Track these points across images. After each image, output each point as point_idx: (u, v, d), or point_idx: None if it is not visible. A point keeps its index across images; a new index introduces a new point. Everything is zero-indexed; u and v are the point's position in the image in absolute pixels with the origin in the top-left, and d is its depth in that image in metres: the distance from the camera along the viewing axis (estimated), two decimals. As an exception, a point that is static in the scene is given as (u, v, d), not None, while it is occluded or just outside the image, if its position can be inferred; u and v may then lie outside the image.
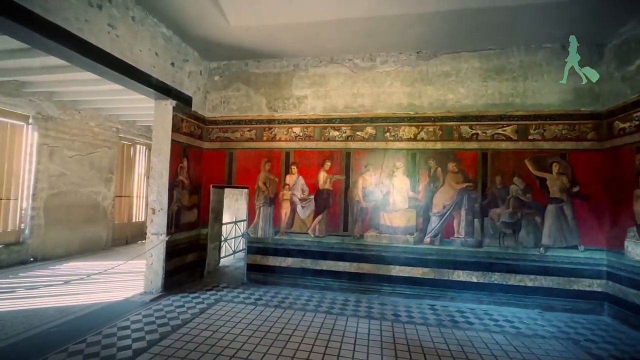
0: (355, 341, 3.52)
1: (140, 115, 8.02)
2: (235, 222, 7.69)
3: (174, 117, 5.00)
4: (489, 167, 4.94)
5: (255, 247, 5.60)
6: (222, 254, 6.80)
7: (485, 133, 4.97)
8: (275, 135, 5.63)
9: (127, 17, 4.05)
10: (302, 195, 5.48)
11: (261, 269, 5.53)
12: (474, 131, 5.01)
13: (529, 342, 3.63)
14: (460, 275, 4.90)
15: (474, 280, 4.86)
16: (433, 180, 5.09)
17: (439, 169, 5.07)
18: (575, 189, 4.71)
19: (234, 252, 7.44)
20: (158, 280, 4.81)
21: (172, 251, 5.02)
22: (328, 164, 5.41)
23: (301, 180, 5.50)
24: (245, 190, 6.41)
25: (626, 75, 4.36)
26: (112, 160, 8.24)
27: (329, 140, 5.44)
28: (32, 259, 6.30)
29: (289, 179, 5.54)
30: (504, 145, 4.92)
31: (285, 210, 5.52)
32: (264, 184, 5.62)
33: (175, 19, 4.54)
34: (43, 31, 3.03)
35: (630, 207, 4.20)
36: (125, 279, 5.41)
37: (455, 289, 4.90)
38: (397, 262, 5.10)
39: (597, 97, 4.72)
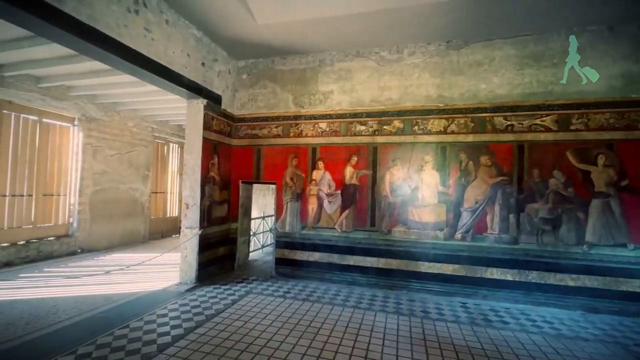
0: (384, 336, 3.50)
1: (173, 115, 8.40)
2: (263, 217, 7.87)
3: (204, 115, 5.18)
4: (526, 160, 4.69)
5: (283, 242, 5.70)
6: (251, 248, 7.00)
7: (522, 124, 4.71)
8: (301, 131, 5.68)
9: (161, 21, 4.24)
10: (328, 191, 5.50)
11: (289, 263, 5.63)
12: (508, 122, 4.76)
13: (571, 345, 3.43)
14: (494, 273, 4.71)
15: (509, 278, 4.65)
16: (464, 174, 4.91)
17: (471, 162, 4.88)
18: (624, 183, 4.36)
19: (262, 247, 7.62)
20: (192, 272, 5.04)
21: (205, 244, 5.24)
22: (354, 159, 5.38)
23: (328, 176, 5.51)
24: (273, 186, 6.55)
25: (685, 57, 3.95)
26: (148, 159, 8.70)
27: (355, 135, 5.41)
28: (79, 250, 6.83)
29: (316, 175, 5.57)
30: (542, 136, 4.64)
31: (312, 205, 5.57)
32: (291, 179, 5.70)
33: (205, 20, 4.69)
34: (89, 38, 3.25)
35: (689, 201, 3.83)
36: (162, 271, 5.72)
37: (488, 287, 4.72)
38: (426, 258, 4.99)
39: (650, 82, 4.32)
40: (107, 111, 7.38)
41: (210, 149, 5.40)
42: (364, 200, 5.33)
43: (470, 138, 4.91)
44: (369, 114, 5.34)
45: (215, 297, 4.54)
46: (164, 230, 9.48)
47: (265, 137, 5.89)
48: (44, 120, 6.30)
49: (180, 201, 10.02)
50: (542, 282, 4.54)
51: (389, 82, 5.29)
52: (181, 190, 9.83)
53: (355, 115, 5.41)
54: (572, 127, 4.55)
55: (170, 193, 9.98)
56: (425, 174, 5.06)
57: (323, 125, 5.57)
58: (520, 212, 4.68)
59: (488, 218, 4.79)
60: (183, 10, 4.47)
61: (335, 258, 5.40)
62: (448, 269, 4.89)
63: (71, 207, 6.81)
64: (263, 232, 7.78)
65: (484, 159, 4.83)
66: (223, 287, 4.99)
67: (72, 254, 6.66)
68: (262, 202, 9.11)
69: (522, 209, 4.68)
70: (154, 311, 3.95)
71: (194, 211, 5.12)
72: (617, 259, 4.32)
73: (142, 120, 8.42)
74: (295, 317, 3.93)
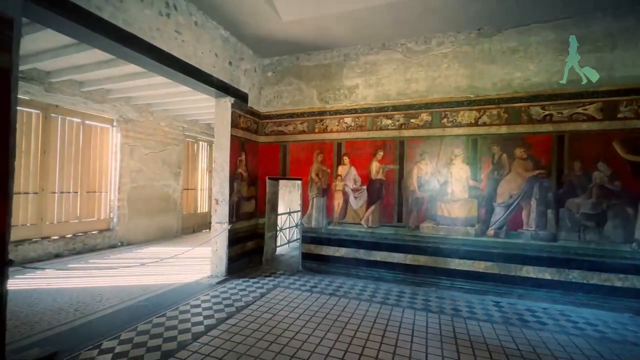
0: (412, 333, 3.44)
1: (202, 114, 8.70)
2: (289, 213, 7.98)
3: (232, 113, 5.32)
4: (566, 152, 4.39)
5: (309, 237, 5.75)
6: (278, 243, 7.13)
7: (561, 113, 4.42)
8: (326, 126, 5.68)
9: (190, 23, 4.39)
10: (354, 186, 5.47)
11: (315, 258, 5.68)
12: (546, 112, 4.48)
13: (618, 349, 3.20)
14: (530, 272, 4.48)
15: (547, 277, 4.41)
16: (497, 168, 4.69)
17: (504, 155, 4.65)
18: (681, 175, 3.97)
19: (289, 242, 7.74)
20: (222, 265, 5.22)
21: (234, 239, 5.40)
22: (380, 154, 5.31)
23: (353, 171, 5.48)
24: (299, 182, 6.61)
25: None
26: (179, 157, 9.09)
27: (381, 129, 5.32)
28: (120, 244, 7.29)
29: (341, 170, 5.56)
30: (584, 126, 4.32)
31: (338, 200, 5.57)
32: (317, 175, 5.72)
33: (231, 20, 4.79)
34: (125, 42, 3.43)
35: None
36: (194, 264, 5.97)
37: (523, 285, 4.50)
38: (456, 255, 4.83)
39: None
40: (141, 112, 7.77)
41: (238, 146, 5.54)
42: (390, 195, 5.25)
43: (503, 130, 4.67)
44: (395, 108, 5.23)
45: (245, 289, 4.68)
46: (195, 225, 9.89)
47: (291, 133, 5.95)
48: (86, 122, 6.76)
49: (209, 197, 10.40)
50: (584, 281, 4.25)
51: (415, 74, 5.15)
52: (211, 186, 10.20)
53: (381, 109, 5.32)
54: (620, 116, 4.19)
55: (201, 190, 10.38)
56: (455, 168, 4.90)
57: (348, 120, 5.53)
58: (559, 207, 4.40)
59: (523, 213, 4.55)
60: (211, 11, 4.60)
61: (361, 254, 5.37)
62: (480, 266, 4.72)
63: (111, 203, 7.27)
64: (289, 227, 7.89)
65: (519, 152, 4.58)
66: (252, 280, 5.13)
67: (113, 246, 7.13)
68: (288, 198, 9.24)
69: (561, 204, 4.40)
70: (188, 302, 4.14)
71: (223, 207, 5.29)
72: (672, 259, 3.96)
73: (174, 120, 8.79)
74: (323, 311, 3.97)
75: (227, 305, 4.06)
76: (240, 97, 5.47)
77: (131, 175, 7.58)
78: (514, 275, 4.55)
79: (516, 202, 4.58)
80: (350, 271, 5.41)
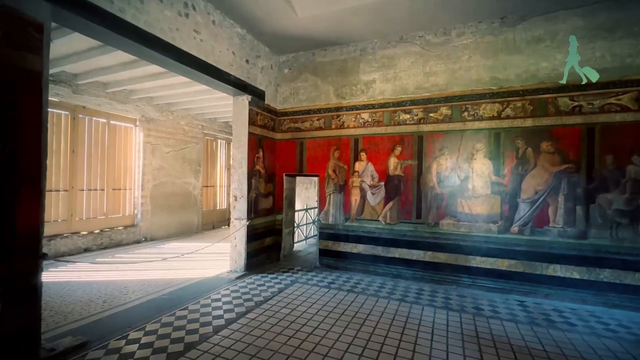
0: (432, 331, 3.38)
1: (220, 113, 8.85)
2: (307, 210, 8.01)
3: (249, 111, 5.38)
4: (597, 145, 4.16)
5: (327, 233, 5.75)
6: (295, 239, 7.17)
7: (592, 104, 4.19)
8: (343, 122, 5.64)
9: (208, 22, 4.45)
10: (371, 182, 5.41)
11: (332, 255, 5.67)
12: (575, 103, 4.26)
13: (655, 353, 3.02)
14: (557, 270, 4.30)
15: (576, 276, 4.21)
16: (522, 163, 4.51)
17: (529, 149, 4.47)
18: None
19: (306, 238, 7.77)
20: (241, 261, 5.31)
21: (252, 235, 5.48)
22: (398, 149, 5.22)
23: (370, 167, 5.42)
24: (315, 178, 6.62)
25: None
26: (199, 154, 9.29)
27: (399, 124, 5.23)
28: (143, 239, 7.56)
29: (358, 166, 5.51)
30: (618, 117, 4.08)
31: (355, 197, 5.53)
32: (334, 171, 5.70)
33: (248, 17, 4.83)
34: (147, 43, 3.52)
35: None
36: (214, 259, 6.10)
37: (550, 285, 4.32)
38: (478, 253, 4.70)
39: None
40: (162, 112, 7.99)
41: (256, 143, 5.59)
42: (408, 191, 5.16)
43: (528, 122, 4.48)
44: (414, 102, 5.12)
45: (263, 285, 4.74)
46: (215, 222, 10.10)
47: (308, 130, 5.94)
48: (111, 122, 7.02)
49: (228, 194, 10.59)
50: (617, 281, 4.03)
51: (434, 67, 5.02)
52: (229, 183, 10.39)
53: (398, 103, 5.23)
54: (657, 105, 3.93)
55: (220, 186, 10.58)
56: (476, 163, 4.75)
57: (365, 115, 5.47)
58: (589, 203, 4.19)
59: (550, 210, 4.36)
60: (228, 10, 4.65)
61: (379, 250, 5.32)
62: (503, 264, 4.57)
63: (135, 199, 7.54)
64: (306, 223, 7.93)
65: (545, 145, 4.39)
66: (270, 275, 5.19)
67: (137, 242, 7.40)
68: (305, 194, 9.27)
69: (592, 199, 4.18)
70: (209, 296, 4.24)
71: (241, 203, 5.37)
72: None
73: (193, 119, 8.99)
74: (340, 307, 3.96)
75: (246, 300, 4.13)
76: (257, 95, 5.52)
77: (153, 173, 7.83)
78: (539, 274, 4.38)
79: (542, 198, 4.39)
80: (368, 268, 5.38)
